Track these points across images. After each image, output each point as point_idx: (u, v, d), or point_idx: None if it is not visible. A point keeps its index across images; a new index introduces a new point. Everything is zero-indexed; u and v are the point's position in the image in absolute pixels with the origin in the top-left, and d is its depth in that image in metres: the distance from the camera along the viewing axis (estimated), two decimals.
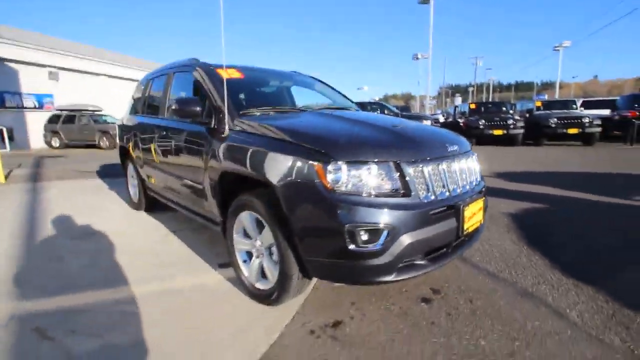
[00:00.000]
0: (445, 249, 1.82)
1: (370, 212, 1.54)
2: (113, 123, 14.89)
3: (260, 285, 2.05)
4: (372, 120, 2.32)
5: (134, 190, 4.13)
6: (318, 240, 1.64)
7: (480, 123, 12.02)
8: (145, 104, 3.64)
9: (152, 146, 3.16)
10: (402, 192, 1.64)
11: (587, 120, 11.15)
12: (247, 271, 2.13)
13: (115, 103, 18.18)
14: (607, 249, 2.78)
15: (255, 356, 1.61)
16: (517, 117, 12.49)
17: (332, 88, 3.40)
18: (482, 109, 13.78)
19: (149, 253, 2.85)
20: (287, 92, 3.17)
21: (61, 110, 15.22)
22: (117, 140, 4.37)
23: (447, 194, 1.79)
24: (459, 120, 13.90)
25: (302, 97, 3.14)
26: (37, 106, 16.40)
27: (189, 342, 1.72)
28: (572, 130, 11.21)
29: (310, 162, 1.62)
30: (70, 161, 9.91)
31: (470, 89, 57.30)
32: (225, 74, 2.63)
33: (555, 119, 11.52)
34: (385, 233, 1.55)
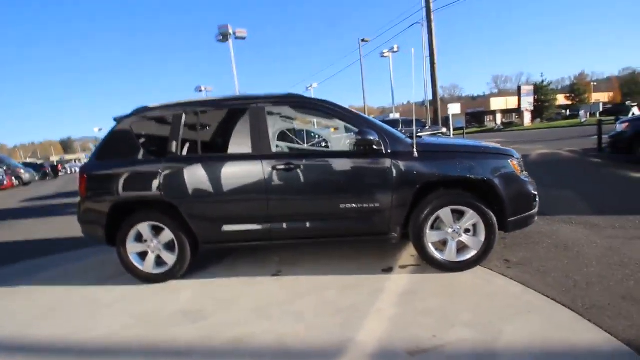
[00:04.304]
0: None
1: (533, 183, 2.91)
2: None
3: (460, 258, 2.85)
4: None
5: (151, 257, 3.12)
6: (520, 204, 2.81)
7: None
8: (197, 143, 3.03)
9: (257, 185, 2.90)
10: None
11: None
12: (444, 254, 2.85)
13: None
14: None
15: (518, 287, 2.56)
16: None
17: None
18: None
19: (318, 291, 2.74)
20: None
21: None
22: (107, 197, 3.07)
23: None
24: None
25: None
26: None
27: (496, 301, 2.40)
28: None
29: (509, 161, 2.80)
30: None
31: None
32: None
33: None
34: (536, 194, 2.95)
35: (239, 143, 3.02)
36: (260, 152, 2.96)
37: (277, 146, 3.08)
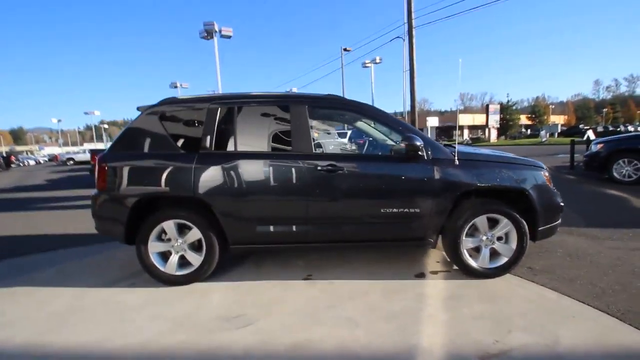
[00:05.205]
0: None
1: (560, 195, 3.07)
2: None
3: (491, 265, 2.94)
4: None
5: (174, 257, 2.93)
6: (550, 214, 2.94)
7: None
8: (233, 139, 2.90)
9: (297, 186, 2.82)
10: None
11: None
12: (476, 261, 2.93)
13: None
14: None
15: (553, 293, 2.68)
16: None
17: None
18: None
19: (359, 295, 2.69)
20: None
21: None
22: (131, 192, 2.86)
23: None
24: None
25: None
26: None
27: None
28: None
29: (541, 173, 2.94)
30: None
31: None
32: None
33: None
34: (563, 205, 3.10)
35: (278, 141, 2.93)
36: (301, 152, 2.89)
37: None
